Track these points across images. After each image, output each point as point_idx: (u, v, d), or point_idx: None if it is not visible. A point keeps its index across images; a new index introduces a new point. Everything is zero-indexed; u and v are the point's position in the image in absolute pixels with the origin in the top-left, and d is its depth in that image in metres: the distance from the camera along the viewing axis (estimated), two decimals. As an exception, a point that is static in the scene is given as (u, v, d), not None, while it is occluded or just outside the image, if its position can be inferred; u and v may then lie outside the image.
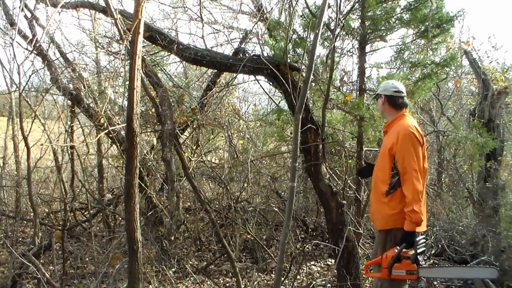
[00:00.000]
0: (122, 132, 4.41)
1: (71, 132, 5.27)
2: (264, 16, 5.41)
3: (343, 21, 3.98)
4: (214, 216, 4.52)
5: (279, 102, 5.66)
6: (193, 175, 4.80)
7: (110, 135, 4.35)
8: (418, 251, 2.51)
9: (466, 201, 5.61)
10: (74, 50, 4.93)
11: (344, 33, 4.28)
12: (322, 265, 4.75)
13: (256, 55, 3.77)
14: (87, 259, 4.79)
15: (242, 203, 5.32)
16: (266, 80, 4.23)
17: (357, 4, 4.12)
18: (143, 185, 4.23)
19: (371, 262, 2.65)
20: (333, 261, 4.39)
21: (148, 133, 5.27)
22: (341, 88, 4.76)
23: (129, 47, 2.67)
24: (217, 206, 5.40)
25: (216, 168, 5.89)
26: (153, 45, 4.19)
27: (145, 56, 4.34)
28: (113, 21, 3.14)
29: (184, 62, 4.84)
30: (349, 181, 4.37)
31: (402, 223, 2.50)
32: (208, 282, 4.25)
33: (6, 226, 5.76)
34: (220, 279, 4.42)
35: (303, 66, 3.72)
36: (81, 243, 5.21)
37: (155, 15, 22.21)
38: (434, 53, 4.36)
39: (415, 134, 2.55)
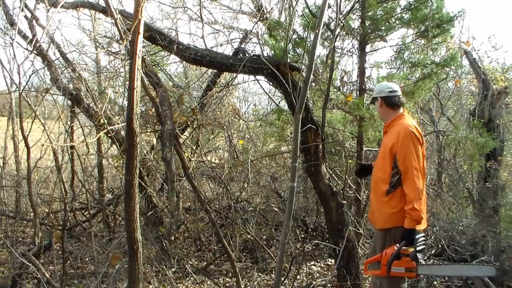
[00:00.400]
0: (122, 132, 4.41)
1: (71, 132, 5.27)
2: (264, 16, 5.40)
3: (343, 21, 3.98)
4: (214, 216, 4.52)
5: (279, 102, 5.66)
6: (193, 175, 4.79)
7: (110, 135, 4.35)
8: (418, 249, 2.52)
9: (466, 201, 5.60)
10: (74, 50, 4.94)
11: (344, 33, 4.29)
12: (322, 265, 4.75)
13: (256, 55, 3.76)
14: (87, 259, 4.79)
15: (242, 203, 5.32)
16: (266, 80, 4.23)
17: (357, 4, 4.13)
18: (143, 185, 4.23)
19: (370, 260, 2.67)
20: (333, 261, 4.39)
21: (148, 133, 5.27)
22: (341, 88, 4.76)
23: (129, 47, 2.67)
24: (217, 206, 5.40)
25: (216, 168, 5.88)
26: (153, 45, 4.18)
27: (145, 56, 4.34)
28: (113, 21, 3.14)
29: (184, 62, 4.84)
30: (349, 181, 4.37)
31: (402, 222, 2.53)
32: (208, 282, 4.25)
33: (6, 226, 5.76)
34: (220, 279, 4.42)
35: (303, 66, 3.72)
36: (81, 243, 5.20)
37: (155, 15, 22.25)
38: (434, 53, 4.35)
39: (415, 133, 2.59)
